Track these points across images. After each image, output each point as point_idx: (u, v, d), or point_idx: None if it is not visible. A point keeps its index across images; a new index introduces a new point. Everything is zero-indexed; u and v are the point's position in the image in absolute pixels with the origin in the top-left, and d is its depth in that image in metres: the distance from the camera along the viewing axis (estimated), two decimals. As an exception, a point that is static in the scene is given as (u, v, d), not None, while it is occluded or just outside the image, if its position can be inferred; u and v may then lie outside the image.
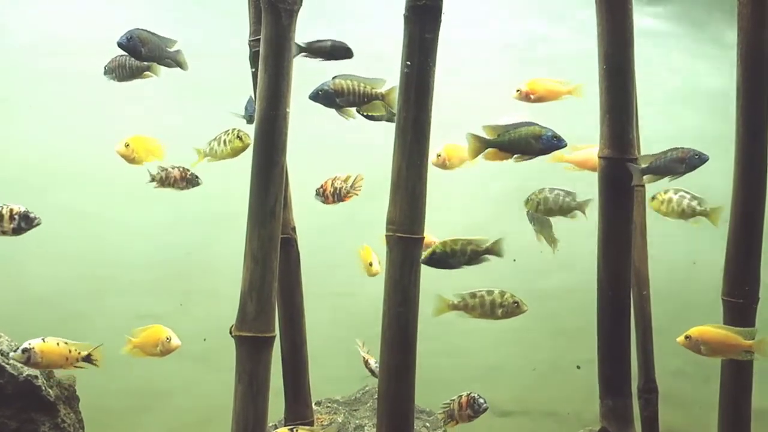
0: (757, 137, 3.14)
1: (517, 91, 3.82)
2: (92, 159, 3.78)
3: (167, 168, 3.55)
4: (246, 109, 3.62)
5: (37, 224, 3.26)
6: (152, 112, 4.53)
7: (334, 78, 3.28)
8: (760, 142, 3.14)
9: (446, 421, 3.40)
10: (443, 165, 3.71)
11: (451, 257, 3.15)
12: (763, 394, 3.93)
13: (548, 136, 3.06)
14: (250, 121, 3.57)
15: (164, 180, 3.56)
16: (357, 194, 3.50)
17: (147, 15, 4.63)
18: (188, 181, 3.60)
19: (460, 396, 3.37)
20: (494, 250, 3.19)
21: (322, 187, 3.52)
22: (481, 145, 3.06)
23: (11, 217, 3.24)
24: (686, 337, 3.18)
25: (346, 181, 3.52)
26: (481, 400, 3.35)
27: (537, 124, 3.07)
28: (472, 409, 3.36)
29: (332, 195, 3.49)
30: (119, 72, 3.45)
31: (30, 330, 4.17)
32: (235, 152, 3.35)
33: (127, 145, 3.49)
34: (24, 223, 3.25)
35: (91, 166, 3.88)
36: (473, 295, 3.24)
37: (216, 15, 4.62)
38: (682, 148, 3.07)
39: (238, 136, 3.33)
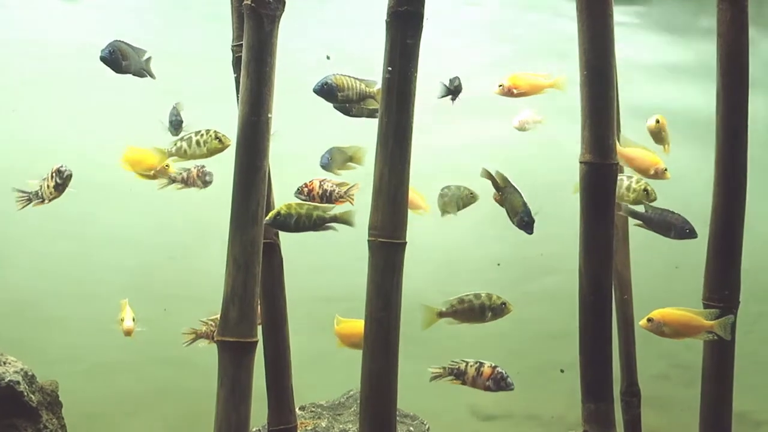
0: (737, 142, 3.16)
1: (500, 86, 3.83)
2: (75, 162, 3.75)
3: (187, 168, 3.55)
4: (170, 121, 3.62)
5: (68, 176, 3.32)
6: (136, 116, 4.51)
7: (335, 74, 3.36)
8: (739, 147, 3.16)
9: (443, 377, 3.34)
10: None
11: (297, 221, 3.13)
12: (744, 397, 3.97)
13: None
14: (174, 132, 3.59)
15: (186, 180, 3.59)
16: (351, 203, 3.49)
17: (133, 19, 4.64)
18: (204, 181, 3.62)
19: (481, 363, 3.31)
20: (342, 218, 3.18)
21: (307, 186, 3.49)
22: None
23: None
24: (648, 320, 3.27)
25: (340, 186, 3.51)
26: (509, 380, 3.31)
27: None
28: (496, 383, 3.29)
29: (320, 197, 3.47)
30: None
31: (10, 333, 4.18)
32: (212, 153, 3.33)
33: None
34: (59, 178, 3.31)
35: (74, 170, 3.87)
36: (461, 301, 3.26)
37: (201, 20, 4.62)
38: (679, 215, 3.10)
39: (216, 137, 3.30)
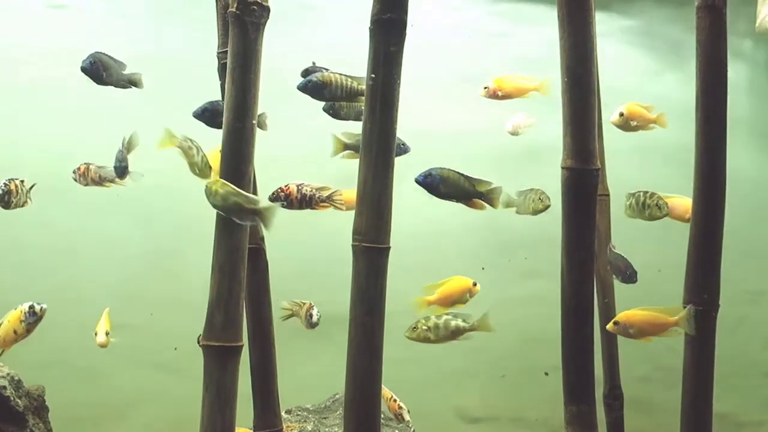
0: (716, 148, 3.20)
1: (485, 88, 3.87)
2: (60, 168, 3.77)
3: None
4: (115, 167, 3.61)
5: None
6: (122, 122, 4.52)
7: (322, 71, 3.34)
8: (718, 152, 3.21)
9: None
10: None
11: None
12: (727, 399, 4.02)
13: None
14: (120, 175, 3.60)
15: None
16: (342, 209, 3.45)
17: (119, 25, 4.65)
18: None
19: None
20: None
21: (283, 191, 3.45)
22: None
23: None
24: (615, 323, 3.37)
25: (320, 190, 3.47)
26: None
27: None
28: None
29: (299, 201, 3.42)
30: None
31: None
32: (197, 172, 3.26)
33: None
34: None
35: (58, 176, 3.88)
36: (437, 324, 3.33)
37: (189, 26, 4.64)
38: (626, 260, 3.17)
39: (208, 167, 3.22)
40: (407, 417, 3.77)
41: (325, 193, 3.39)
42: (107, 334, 3.61)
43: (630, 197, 3.67)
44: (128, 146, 3.60)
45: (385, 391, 3.80)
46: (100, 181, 3.66)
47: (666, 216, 3.37)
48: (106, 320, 3.65)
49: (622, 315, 3.35)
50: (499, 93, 3.86)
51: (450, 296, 3.48)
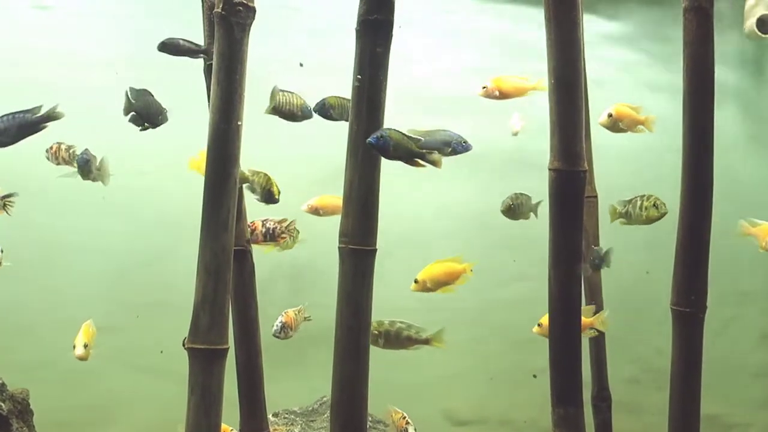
0: (703, 150, 3.20)
1: (483, 88, 3.87)
2: (45, 170, 3.74)
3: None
4: (78, 162, 3.63)
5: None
6: (106, 124, 4.51)
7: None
8: (706, 154, 3.21)
9: None
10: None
11: None
12: (715, 401, 4.02)
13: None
14: (84, 176, 3.62)
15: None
16: (292, 236, 3.56)
17: (106, 26, 4.63)
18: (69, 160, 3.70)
19: None
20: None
21: (250, 227, 3.55)
22: None
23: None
24: (539, 325, 3.48)
25: (281, 223, 3.55)
26: None
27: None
28: None
29: (263, 235, 3.53)
30: None
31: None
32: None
33: None
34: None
35: (44, 177, 3.86)
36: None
37: (175, 27, 4.61)
38: (596, 250, 3.18)
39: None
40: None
41: (284, 224, 3.43)
42: (86, 346, 3.57)
43: (626, 204, 3.63)
44: (100, 167, 3.65)
45: (398, 412, 3.83)
46: (70, 160, 3.69)
47: (665, 215, 3.31)
48: (84, 333, 3.62)
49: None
50: (497, 93, 3.86)
51: (437, 279, 3.51)
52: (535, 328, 3.52)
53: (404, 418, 3.79)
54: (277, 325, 3.35)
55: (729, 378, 5.26)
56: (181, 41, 3.51)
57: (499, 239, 4.96)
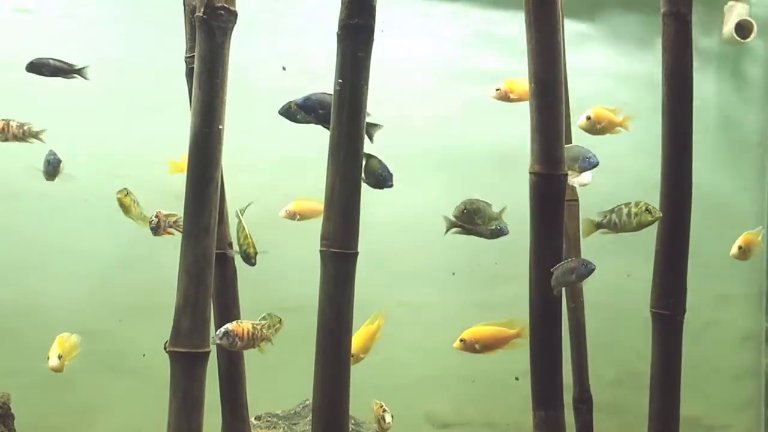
0: (682, 154, 3.24)
1: (497, 90, 3.90)
2: (24, 173, 3.73)
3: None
4: (52, 163, 3.62)
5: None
6: (89, 127, 4.51)
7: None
8: (684, 157, 3.25)
9: None
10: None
11: None
12: (695, 402, 4.06)
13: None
14: (48, 176, 3.62)
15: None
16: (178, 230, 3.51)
17: (87, 30, 4.61)
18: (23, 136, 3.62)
19: None
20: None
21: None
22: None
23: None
24: (461, 341, 3.41)
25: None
26: None
27: None
28: None
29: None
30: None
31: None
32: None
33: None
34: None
35: (24, 180, 3.85)
36: None
37: (158, 31, 4.61)
38: (574, 259, 3.14)
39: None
40: (389, 419, 3.75)
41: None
42: (60, 357, 3.54)
43: (606, 215, 3.47)
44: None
45: (376, 402, 3.84)
46: (23, 136, 3.61)
47: (659, 218, 3.26)
48: (59, 344, 3.59)
49: (467, 333, 3.39)
50: (511, 95, 3.89)
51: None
52: (456, 343, 3.42)
53: (381, 406, 3.80)
54: (221, 331, 3.11)
55: (709, 380, 5.30)
56: (51, 60, 3.56)
57: (481, 242, 4.96)
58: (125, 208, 3.76)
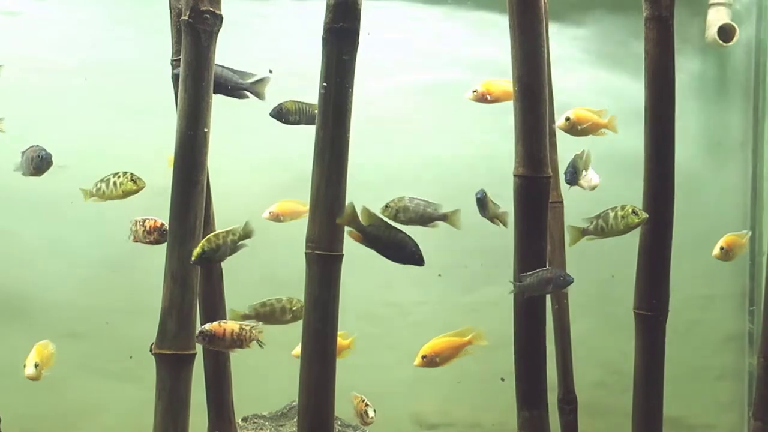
0: (665, 156, 3.27)
1: (473, 92, 3.88)
2: (8, 175, 3.73)
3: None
4: (45, 159, 3.56)
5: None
6: (76, 128, 4.51)
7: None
8: (667, 160, 3.27)
9: None
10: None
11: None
12: (679, 403, 4.08)
13: None
14: (37, 172, 3.56)
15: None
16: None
17: (75, 33, 4.62)
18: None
19: None
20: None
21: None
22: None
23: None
24: (422, 357, 3.42)
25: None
26: None
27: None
28: None
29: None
30: None
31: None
32: (126, 194, 3.52)
33: None
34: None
35: (10, 181, 3.84)
36: (263, 305, 3.37)
37: (144, 34, 4.62)
38: (551, 269, 3.14)
39: (132, 179, 3.50)
40: (372, 414, 3.75)
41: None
42: (36, 366, 3.52)
43: (593, 221, 3.36)
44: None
45: (357, 396, 3.83)
46: None
47: (645, 219, 3.26)
48: (36, 352, 3.57)
49: (426, 348, 3.41)
50: (488, 96, 3.88)
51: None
52: (417, 361, 3.42)
53: (363, 400, 3.80)
54: (198, 330, 3.07)
55: (693, 380, 5.33)
56: None
57: (466, 243, 4.99)
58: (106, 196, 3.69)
